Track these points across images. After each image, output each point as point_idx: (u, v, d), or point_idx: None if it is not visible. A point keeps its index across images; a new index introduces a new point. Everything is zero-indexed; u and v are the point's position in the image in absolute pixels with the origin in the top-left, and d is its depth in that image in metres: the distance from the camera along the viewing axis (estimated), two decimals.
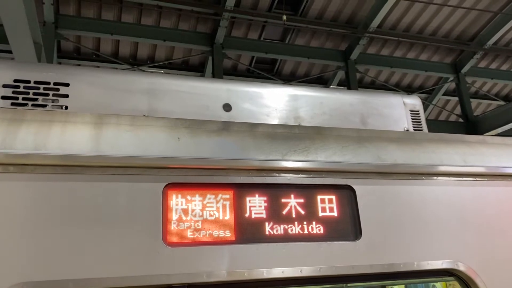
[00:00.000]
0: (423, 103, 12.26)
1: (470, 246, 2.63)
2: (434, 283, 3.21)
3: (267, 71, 11.05)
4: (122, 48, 9.96)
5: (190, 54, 10.16)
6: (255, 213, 2.31)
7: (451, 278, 2.63)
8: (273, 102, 3.27)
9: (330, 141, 2.64)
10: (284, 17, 8.28)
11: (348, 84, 10.51)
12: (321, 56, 10.68)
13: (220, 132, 2.47)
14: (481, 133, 10.71)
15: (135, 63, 10.10)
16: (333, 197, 2.46)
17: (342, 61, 10.74)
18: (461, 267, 2.55)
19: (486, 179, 2.82)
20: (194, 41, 9.64)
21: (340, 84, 11.14)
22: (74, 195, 2.05)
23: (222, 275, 2.13)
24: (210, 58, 9.67)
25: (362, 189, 2.51)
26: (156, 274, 2.04)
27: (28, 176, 2.02)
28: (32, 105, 2.65)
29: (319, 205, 2.42)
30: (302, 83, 10.97)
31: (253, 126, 2.60)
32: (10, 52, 7.13)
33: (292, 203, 2.39)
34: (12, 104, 2.61)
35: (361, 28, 10.13)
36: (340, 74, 11.07)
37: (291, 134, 2.62)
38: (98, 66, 9.75)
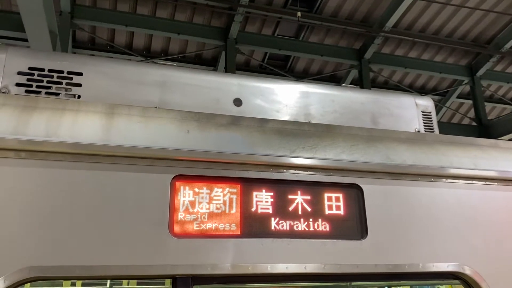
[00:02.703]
0: (437, 105, 12.11)
1: (477, 250, 2.61)
2: (439, 286, 3.19)
3: (280, 68, 11.03)
4: (136, 40, 10.01)
5: (204, 48, 10.18)
6: (261, 208, 2.32)
7: (456, 281, 2.61)
8: (284, 98, 3.26)
9: (339, 139, 2.64)
10: (299, 14, 8.25)
11: (361, 83, 10.45)
12: (335, 54, 10.62)
13: (229, 126, 2.48)
14: (495, 138, 10.57)
15: (148, 55, 10.15)
16: (340, 196, 2.46)
17: (356, 60, 10.67)
18: (467, 271, 2.53)
19: (496, 184, 2.79)
20: (208, 35, 9.65)
21: (353, 83, 11.07)
22: (83, 183, 2.08)
23: (226, 268, 2.14)
24: (223, 52, 9.68)
25: (369, 188, 2.50)
26: (161, 264, 2.07)
27: (39, 162, 2.05)
28: (46, 93, 2.68)
29: (326, 203, 2.42)
30: (314, 81, 10.93)
31: (263, 121, 2.60)
32: (26, 40, 7.22)
33: (299, 199, 2.39)
34: (26, 91, 2.64)
35: (376, 27, 10.04)
36: (354, 73, 11.01)
37: (300, 131, 2.62)
38: (112, 57, 9.82)
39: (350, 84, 11.00)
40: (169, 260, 2.08)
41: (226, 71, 9.41)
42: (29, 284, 2.00)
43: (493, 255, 2.63)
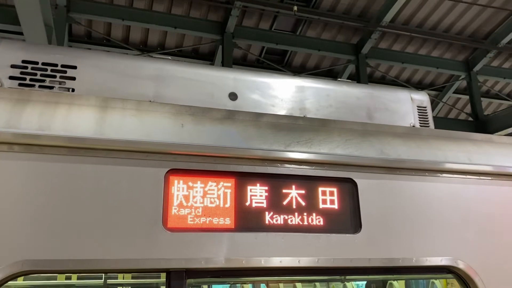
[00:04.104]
0: (433, 101, 12.06)
1: (471, 244, 2.62)
2: (433, 280, 3.21)
3: (277, 62, 11.00)
4: (133, 34, 9.96)
5: (200, 43, 10.14)
6: (255, 202, 2.32)
7: (450, 275, 2.62)
8: (280, 92, 3.26)
9: (334, 133, 2.63)
10: (295, 8, 8.23)
11: (358, 78, 10.44)
12: (332, 49, 10.59)
13: (224, 120, 2.47)
14: (491, 133, 10.57)
15: (145, 49, 10.10)
16: (335, 190, 2.46)
17: (353, 55, 10.65)
18: (461, 265, 2.55)
19: (490, 178, 2.80)
20: (204, 29, 9.61)
21: (350, 78, 11.04)
22: (77, 177, 2.07)
23: (220, 262, 2.15)
24: (220, 47, 9.64)
25: (364, 182, 2.51)
26: (155, 258, 2.07)
27: (32, 156, 2.04)
28: (39, 86, 2.67)
29: (320, 197, 2.42)
30: (311, 76, 10.91)
31: (258, 115, 2.60)
32: (21, 33, 7.17)
33: (293, 194, 2.39)
34: (20, 84, 2.63)
35: (373, 22, 10.02)
36: (351, 68, 11.00)
37: (295, 125, 2.62)
38: (108, 51, 9.77)
39: (347, 79, 10.98)
40: (163, 254, 2.08)
41: (223, 66, 9.38)
42: (22, 277, 2.00)
43: (487, 250, 2.64)
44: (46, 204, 1.99)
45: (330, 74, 11.65)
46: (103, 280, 4.40)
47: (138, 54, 9.66)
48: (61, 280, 4.33)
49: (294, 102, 3.25)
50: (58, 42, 7.99)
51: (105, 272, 2.15)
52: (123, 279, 4.79)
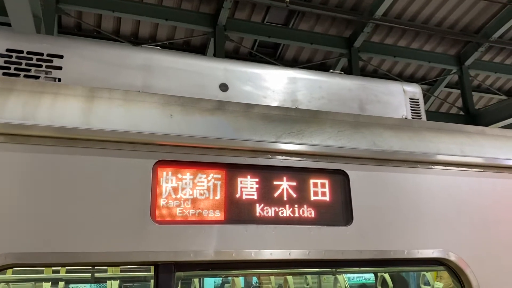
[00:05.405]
0: (425, 95, 12.03)
1: (463, 236, 2.61)
2: (424, 272, 3.20)
3: (270, 56, 10.93)
4: (124, 26, 9.83)
5: (192, 35, 10.04)
6: (246, 194, 2.29)
7: (441, 267, 2.62)
8: (271, 84, 3.22)
9: (326, 125, 2.60)
10: None
11: (350, 72, 10.41)
12: (325, 42, 10.55)
13: (214, 111, 2.43)
14: None
15: (136, 41, 9.98)
16: (326, 182, 2.43)
17: (345, 49, 10.62)
18: (452, 257, 2.54)
19: (482, 170, 2.79)
20: (196, 22, 9.50)
21: (342, 71, 11.02)
22: (62, 168, 2.02)
23: (209, 255, 2.11)
24: (212, 39, 9.55)
25: (355, 174, 2.48)
26: (143, 251, 2.03)
27: (16, 146, 1.99)
28: (25, 76, 2.60)
29: (311, 189, 2.39)
30: (304, 69, 10.85)
31: (248, 106, 2.56)
32: (9, 24, 7.04)
33: (284, 185, 2.36)
34: (4, 74, 2.56)
35: (366, 15, 9.98)
36: (343, 62, 10.97)
37: (287, 116, 2.58)
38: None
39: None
40: (151, 246, 2.04)
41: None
42: (11, 270, 1.96)
43: (478, 242, 2.64)
44: (30, 195, 1.94)
45: (323, 67, 11.59)
46: (90, 273, 4.35)
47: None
48: (48, 273, 4.28)
49: (286, 94, 3.21)
50: (47, 33, 7.85)
51: (92, 265, 2.11)
52: (112, 272, 4.75)
